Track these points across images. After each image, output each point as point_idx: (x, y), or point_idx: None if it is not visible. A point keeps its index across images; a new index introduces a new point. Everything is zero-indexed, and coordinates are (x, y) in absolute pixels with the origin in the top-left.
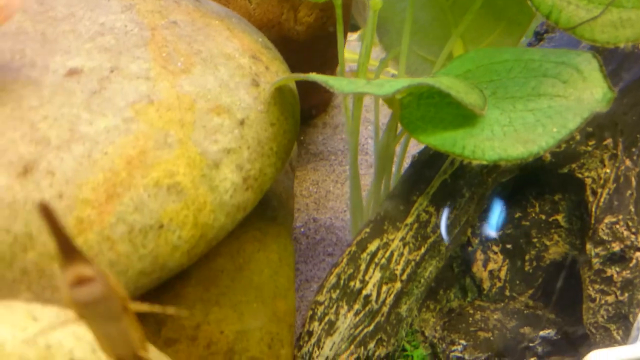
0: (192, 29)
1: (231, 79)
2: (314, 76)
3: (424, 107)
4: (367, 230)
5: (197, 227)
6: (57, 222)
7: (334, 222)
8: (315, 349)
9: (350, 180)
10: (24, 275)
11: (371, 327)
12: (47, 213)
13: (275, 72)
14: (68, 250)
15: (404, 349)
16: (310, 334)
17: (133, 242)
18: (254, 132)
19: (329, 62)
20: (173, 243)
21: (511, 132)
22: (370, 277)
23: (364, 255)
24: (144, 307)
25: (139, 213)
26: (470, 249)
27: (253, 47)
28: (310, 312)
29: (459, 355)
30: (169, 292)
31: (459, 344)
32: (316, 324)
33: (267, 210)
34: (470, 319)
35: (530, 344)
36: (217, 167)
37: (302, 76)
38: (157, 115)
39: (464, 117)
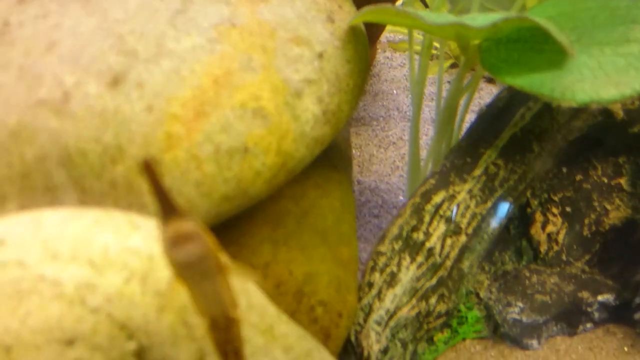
0: None
1: (307, 12)
2: (408, 10)
3: (505, 52)
4: (432, 181)
5: (280, 155)
6: (158, 178)
7: (378, 184)
8: (376, 300)
9: (410, 135)
10: (112, 189)
11: (433, 281)
12: (149, 169)
13: (348, 11)
14: (168, 207)
15: (458, 310)
16: (370, 285)
17: (219, 163)
18: (332, 66)
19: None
20: (256, 169)
21: (601, 75)
22: (435, 230)
23: (429, 206)
24: (235, 266)
25: (225, 134)
26: (529, 210)
27: None
28: (372, 263)
29: (516, 317)
30: (237, 230)
31: (516, 306)
32: (377, 275)
33: (329, 159)
34: (527, 281)
35: (588, 309)
36: (299, 97)
37: (392, 8)
38: (240, 39)
39: (550, 61)
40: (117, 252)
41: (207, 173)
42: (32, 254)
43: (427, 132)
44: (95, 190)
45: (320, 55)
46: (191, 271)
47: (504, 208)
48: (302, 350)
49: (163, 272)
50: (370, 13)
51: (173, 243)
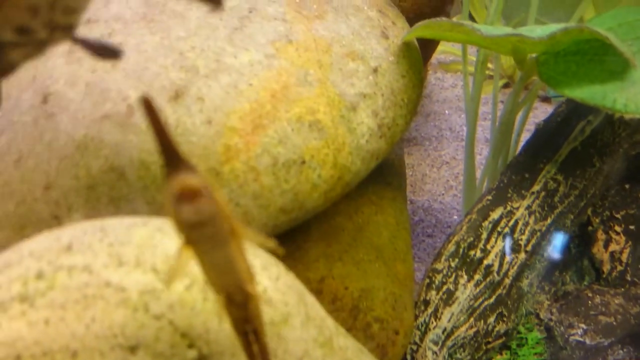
0: None
1: (362, 29)
2: (464, 23)
3: (564, 64)
4: (489, 197)
5: (336, 168)
6: (160, 120)
7: (432, 204)
8: (432, 319)
9: (465, 153)
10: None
11: (492, 300)
12: (149, 108)
13: (401, 27)
14: (172, 155)
15: (517, 331)
16: (426, 303)
17: (276, 175)
18: (387, 81)
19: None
20: (313, 181)
21: None
22: (492, 247)
23: (486, 223)
24: (250, 232)
25: (283, 146)
26: (590, 228)
27: (379, 3)
28: (427, 281)
29: (579, 339)
30: (292, 244)
31: (579, 327)
32: (433, 293)
33: (382, 175)
34: (590, 302)
35: None
36: (355, 110)
37: (447, 22)
38: (297, 54)
39: (611, 72)
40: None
41: (265, 185)
42: (98, 260)
43: (481, 152)
44: (157, 201)
45: (375, 70)
46: (200, 234)
47: (565, 225)
48: None
49: None
50: (424, 28)
51: (179, 199)
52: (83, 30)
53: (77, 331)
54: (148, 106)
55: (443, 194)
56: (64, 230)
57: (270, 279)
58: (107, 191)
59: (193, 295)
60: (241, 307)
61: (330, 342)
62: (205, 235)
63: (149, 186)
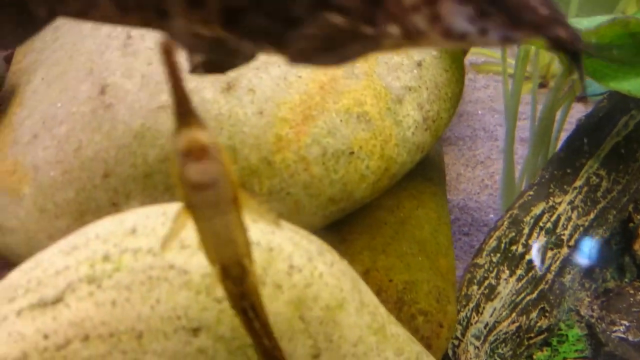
0: None
1: None
2: None
3: (609, 57)
4: (531, 193)
5: (383, 159)
6: (177, 67)
7: (467, 203)
8: (474, 314)
9: (505, 151)
10: None
11: (534, 295)
12: (168, 54)
13: None
14: (184, 108)
15: (558, 328)
16: (468, 298)
17: (326, 165)
18: (431, 74)
19: None
20: (361, 172)
21: None
22: (535, 242)
23: (528, 218)
24: (253, 201)
25: (332, 137)
26: (631, 224)
27: None
28: (469, 276)
29: (622, 336)
30: (337, 236)
31: (621, 324)
32: (475, 287)
33: (423, 171)
34: (632, 299)
35: None
36: (401, 103)
37: None
38: None
39: None
40: None
41: (315, 175)
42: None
43: (516, 151)
44: None
45: (419, 64)
46: (203, 198)
47: (607, 221)
48: (412, 352)
49: (282, 264)
50: None
51: (186, 156)
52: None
53: (143, 312)
54: (167, 52)
55: (478, 193)
56: (127, 215)
57: (326, 264)
58: (163, 179)
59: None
60: (237, 281)
61: (383, 329)
62: (207, 200)
63: None
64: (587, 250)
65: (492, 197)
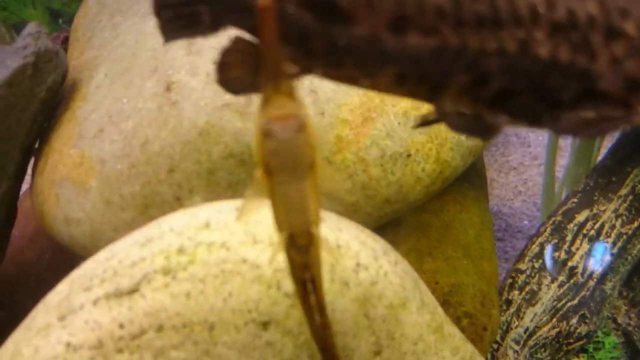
0: None
1: None
2: None
3: None
4: (575, 200)
5: (438, 163)
6: (273, 27)
7: (501, 208)
8: (515, 318)
9: (546, 158)
10: None
11: (575, 301)
12: (265, 11)
13: None
14: (276, 69)
15: (595, 335)
16: (508, 302)
17: (384, 167)
18: None
19: None
20: (417, 174)
21: None
22: (578, 249)
23: (571, 225)
24: (330, 171)
25: (390, 139)
26: None
27: None
28: (510, 280)
29: None
30: (383, 238)
31: None
32: (516, 292)
33: (466, 175)
34: None
35: None
36: None
37: None
38: None
39: None
40: None
41: (373, 176)
42: (235, 238)
43: None
44: None
45: None
46: (282, 162)
47: None
48: (466, 352)
49: (350, 262)
50: None
51: (271, 118)
52: None
53: (215, 305)
54: (265, 10)
55: (512, 199)
56: (200, 209)
57: (390, 263)
58: (226, 176)
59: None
60: (302, 251)
61: (441, 328)
62: (286, 164)
63: None
64: (629, 259)
65: (525, 204)
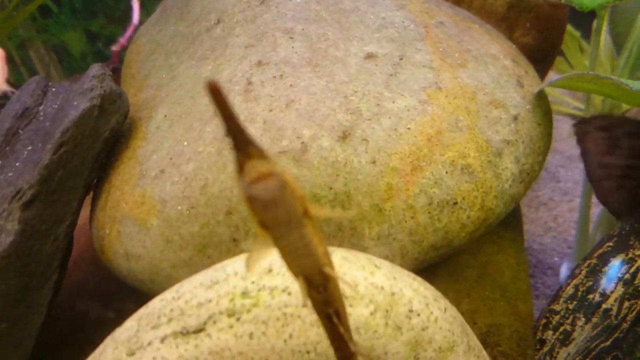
0: (457, 30)
1: (500, 77)
2: (611, 78)
3: None
4: (610, 244)
5: (483, 210)
6: (227, 103)
7: (531, 244)
8: (548, 358)
9: (581, 197)
10: (338, 231)
11: (608, 343)
12: (215, 92)
13: (533, 76)
14: (241, 139)
15: None
16: (542, 342)
17: (431, 214)
18: (526, 128)
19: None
20: (462, 221)
21: None
22: (612, 292)
23: (606, 269)
24: (325, 211)
25: (437, 187)
26: None
27: (511, 52)
28: (544, 321)
29: None
30: (423, 278)
31: None
32: (550, 332)
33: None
34: None
35: None
36: (500, 156)
37: (594, 76)
38: (447, 101)
39: None
40: (365, 287)
41: (420, 223)
42: (296, 283)
43: (579, 194)
44: (324, 231)
45: (515, 118)
46: (274, 216)
47: None
48: None
49: (403, 308)
50: (568, 80)
51: (251, 183)
52: (256, 72)
53: (277, 345)
54: (214, 91)
55: (542, 235)
56: None
57: (440, 309)
58: None
59: (376, 320)
60: (320, 289)
61: None
62: (278, 218)
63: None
64: None
65: (556, 240)
